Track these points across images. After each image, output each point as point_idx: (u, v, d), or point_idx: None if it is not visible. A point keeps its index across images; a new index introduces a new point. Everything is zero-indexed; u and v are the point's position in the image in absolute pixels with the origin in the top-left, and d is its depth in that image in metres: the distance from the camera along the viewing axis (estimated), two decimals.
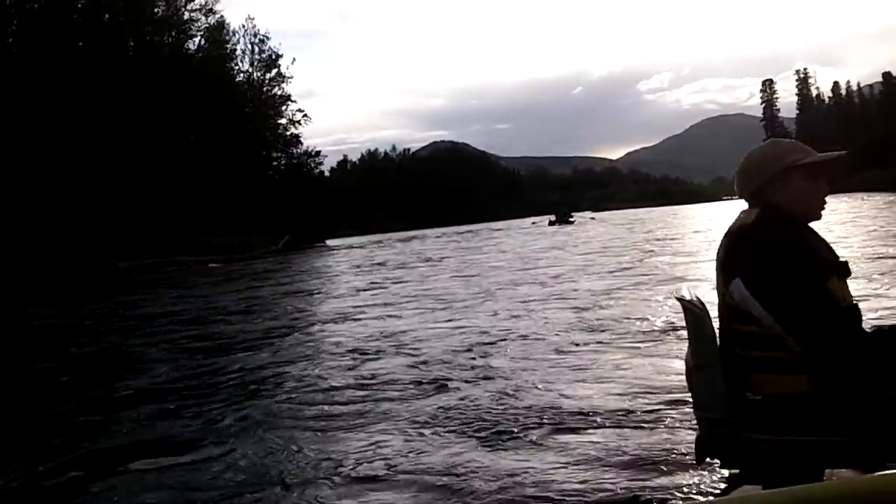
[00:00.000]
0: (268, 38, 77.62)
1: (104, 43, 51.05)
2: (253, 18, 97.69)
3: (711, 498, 2.79)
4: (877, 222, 25.77)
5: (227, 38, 73.23)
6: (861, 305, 2.43)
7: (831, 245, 2.53)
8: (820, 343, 2.24)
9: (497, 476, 4.30)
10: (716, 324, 2.52)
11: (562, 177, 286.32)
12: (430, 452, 4.84)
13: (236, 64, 74.99)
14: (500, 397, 6.06)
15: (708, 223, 38.86)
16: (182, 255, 46.41)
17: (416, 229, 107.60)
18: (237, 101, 68.05)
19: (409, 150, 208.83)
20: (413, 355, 8.43)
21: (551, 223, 65.04)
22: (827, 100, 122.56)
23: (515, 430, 5.16)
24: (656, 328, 8.58)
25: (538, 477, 4.25)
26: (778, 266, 2.30)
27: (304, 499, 4.29)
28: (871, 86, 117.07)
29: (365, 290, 18.48)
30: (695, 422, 2.63)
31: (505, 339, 8.91)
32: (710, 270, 2.77)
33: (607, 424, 5.10)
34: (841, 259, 2.48)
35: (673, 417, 5.04)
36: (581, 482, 4.13)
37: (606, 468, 4.30)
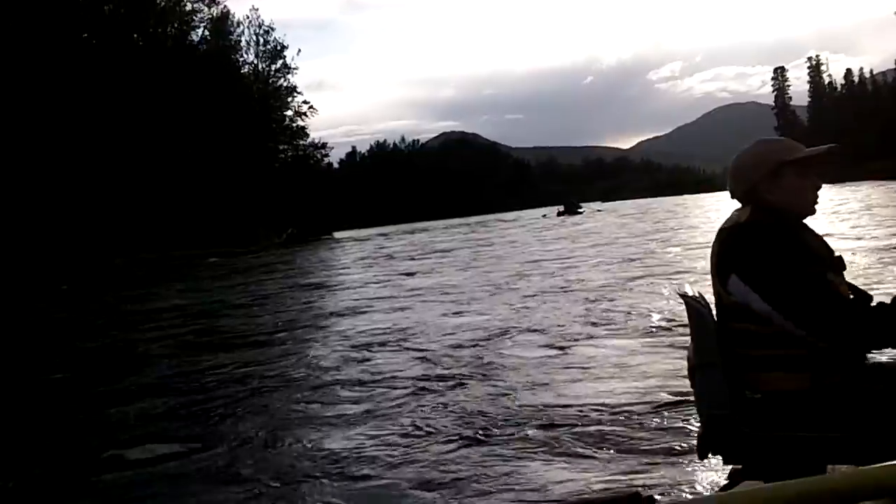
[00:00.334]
0: (273, 28, 77.32)
1: (107, 34, 50.76)
2: (257, 9, 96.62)
3: (713, 493, 2.74)
4: (888, 211, 25.47)
5: (232, 29, 73.20)
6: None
7: (826, 240, 2.53)
8: (822, 322, 2.25)
9: (496, 473, 4.32)
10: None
11: (572, 167, 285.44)
12: (429, 450, 4.83)
13: (241, 55, 74.83)
14: (502, 393, 6.06)
15: (718, 213, 38.35)
16: (182, 249, 45.96)
17: (425, 220, 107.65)
18: (242, 92, 67.67)
19: (418, 140, 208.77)
20: (415, 351, 8.41)
21: (559, 214, 64.99)
22: (839, 87, 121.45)
23: (516, 425, 5.18)
24: (660, 323, 8.53)
25: (538, 472, 4.29)
26: (774, 259, 2.32)
27: (296, 496, 4.32)
28: (884, 73, 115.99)
29: (369, 283, 18.34)
30: (697, 418, 2.62)
31: (509, 334, 8.88)
32: None
33: (609, 420, 5.12)
34: (836, 254, 2.48)
35: (675, 413, 5.06)
36: (582, 477, 4.18)
37: (608, 463, 4.35)
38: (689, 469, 4.06)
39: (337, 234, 75.36)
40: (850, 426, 2.24)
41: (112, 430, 6.13)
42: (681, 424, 4.81)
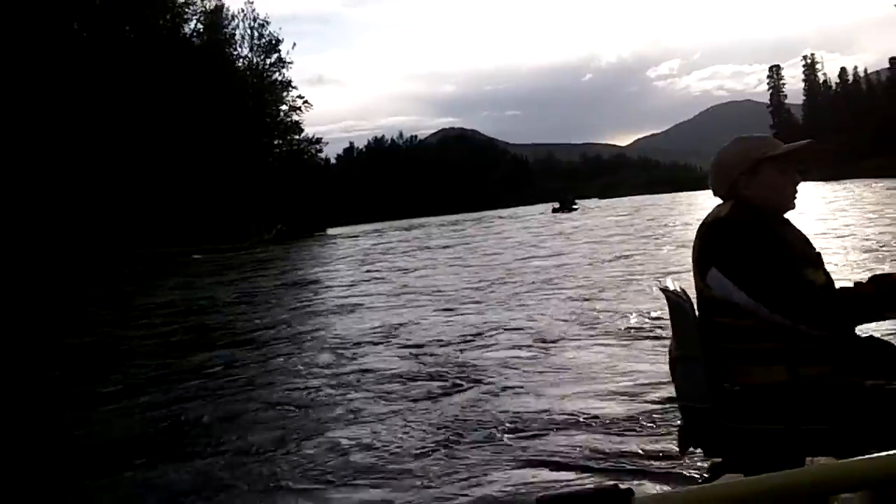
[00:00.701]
0: (267, 22, 76.91)
1: (98, 25, 50.22)
2: (252, 2, 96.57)
3: (694, 487, 2.69)
4: (879, 209, 25.50)
5: (226, 22, 72.77)
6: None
7: (806, 236, 2.57)
8: (801, 305, 2.30)
9: (474, 472, 4.34)
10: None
11: (570, 164, 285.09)
12: (408, 452, 4.81)
13: (235, 49, 74.39)
14: (484, 393, 6.07)
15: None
16: (167, 246, 45.10)
17: (423, 217, 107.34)
18: (235, 86, 67.24)
19: (416, 136, 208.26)
20: (400, 350, 8.39)
21: (554, 211, 64.83)
22: (834, 86, 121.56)
23: (494, 424, 5.19)
24: (645, 323, 8.54)
25: (516, 470, 4.31)
26: (754, 252, 2.36)
27: (273, 498, 4.32)
28: (878, 72, 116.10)
29: (355, 282, 18.20)
30: (678, 412, 2.68)
31: (496, 333, 8.86)
32: None
33: (592, 414, 5.15)
34: (815, 251, 2.53)
35: (656, 408, 5.09)
36: (564, 469, 4.24)
37: (589, 457, 4.38)
38: (670, 463, 4.09)
39: (331, 231, 74.92)
40: (829, 419, 2.26)
41: (96, 428, 6.12)
42: (662, 421, 4.83)
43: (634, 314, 9.12)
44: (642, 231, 28.08)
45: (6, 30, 43.84)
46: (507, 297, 12.25)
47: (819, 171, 68.15)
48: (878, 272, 2.38)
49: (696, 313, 2.53)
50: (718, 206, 2.60)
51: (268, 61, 76.29)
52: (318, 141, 79.80)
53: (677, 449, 2.69)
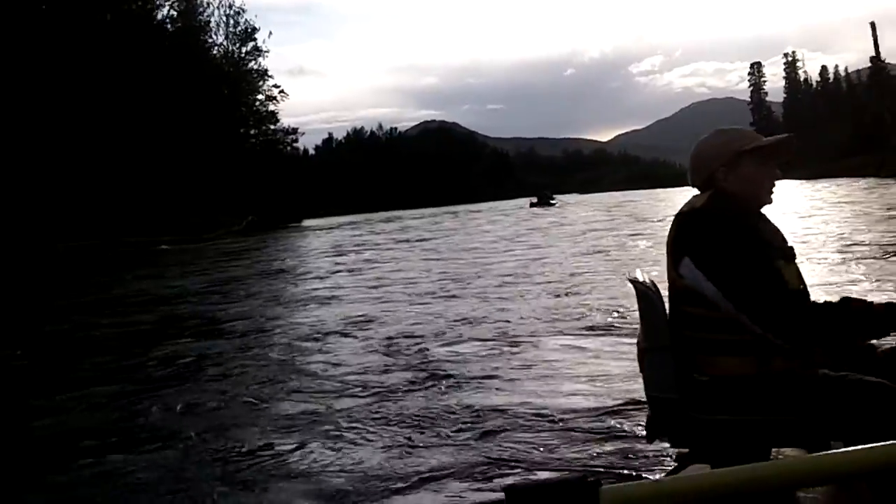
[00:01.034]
0: (244, 10, 75.97)
1: (64, 5, 48.66)
2: None
3: (660, 478, 2.51)
4: (857, 208, 25.50)
5: (201, 9, 71.38)
6: (821, 289, 2.58)
7: (781, 230, 2.58)
8: (770, 315, 2.29)
9: (437, 467, 4.31)
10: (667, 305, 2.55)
11: (551, 158, 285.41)
12: (366, 451, 4.72)
13: (210, 37, 73.05)
14: (449, 388, 6.04)
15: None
16: (130, 235, 43.46)
17: (401, 209, 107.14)
18: (210, 74, 65.84)
19: (395, 128, 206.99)
20: (369, 344, 8.31)
21: (532, 205, 64.58)
22: (815, 84, 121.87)
23: (460, 418, 5.19)
24: (616, 319, 8.50)
25: (482, 464, 4.30)
26: (727, 246, 2.36)
27: (230, 492, 4.27)
28: (858, 71, 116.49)
29: (328, 274, 17.91)
30: (646, 402, 2.65)
31: (467, 327, 8.84)
32: None
33: (558, 409, 5.18)
34: (788, 245, 2.54)
35: (624, 400, 5.15)
36: (530, 461, 4.27)
37: (556, 448, 4.42)
38: (637, 454, 4.14)
39: (307, 222, 73.83)
40: (796, 411, 2.27)
41: (55, 422, 6.03)
42: (630, 414, 4.85)
43: (605, 310, 9.09)
44: (621, 226, 28.07)
45: None
46: (479, 290, 12.23)
47: (798, 169, 68.12)
48: (848, 293, 2.46)
49: (665, 304, 2.54)
50: (696, 196, 2.60)
51: (244, 50, 75.14)
52: (294, 131, 78.77)
53: (644, 440, 2.77)
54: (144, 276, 21.16)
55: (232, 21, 74.57)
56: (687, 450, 2.59)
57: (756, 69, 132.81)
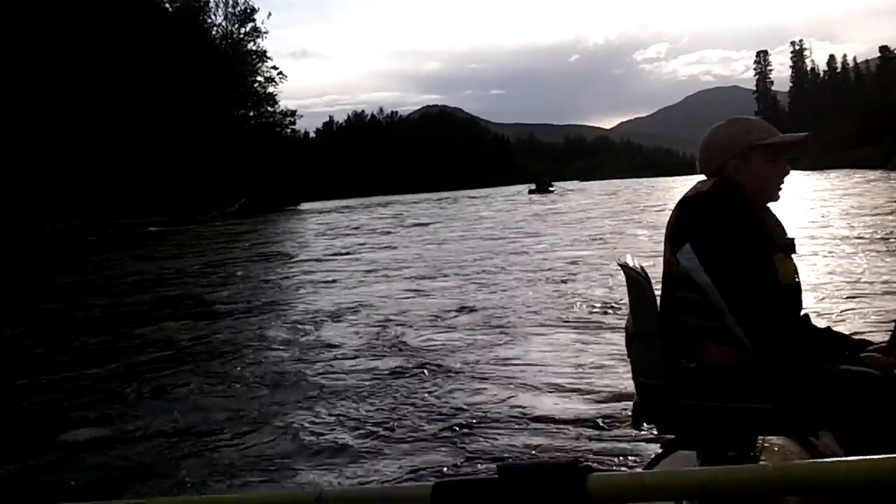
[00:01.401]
0: None
1: None
2: None
3: (651, 471, 2.32)
4: (862, 200, 25.38)
5: None
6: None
7: (783, 223, 2.56)
8: (754, 326, 2.31)
9: (421, 454, 4.34)
10: (658, 290, 2.53)
11: (552, 145, 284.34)
12: (350, 436, 4.76)
13: (209, 17, 72.06)
14: (437, 378, 5.98)
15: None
16: (121, 217, 42.48)
17: (400, 194, 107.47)
18: (206, 54, 64.80)
19: (396, 112, 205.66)
20: (359, 331, 8.25)
21: (531, 192, 63.95)
22: (822, 74, 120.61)
23: (444, 408, 5.16)
24: (609, 306, 8.47)
25: (477, 441, 4.44)
26: (727, 238, 2.36)
27: (208, 476, 4.29)
28: (867, 61, 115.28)
29: (322, 259, 17.80)
30: (633, 388, 2.62)
31: (459, 315, 8.79)
32: None
33: (548, 390, 5.34)
34: (789, 237, 2.52)
35: (612, 385, 5.24)
36: (519, 445, 4.33)
37: (546, 432, 4.49)
38: (625, 438, 4.22)
39: (305, 205, 73.12)
40: (783, 399, 2.26)
41: (38, 402, 6.07)
42: (617, 394, 4.95)
43: (598, 300, 8.97)
44: (619, 214, 28.06)
45: None
46: (473, 277, 12.25)
47: (804, 160, 67.21)
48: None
49: (654, 290, 2.50)
50: (701, 181, 2.57)
51: (242, 31, 73.99)
52: (293, 114, 77.49)
53: (631, 426, 2.71)
54: (133, 259, 20.86)
55: (231, 1, 73.65)
56: (673, 436, 2.51)
57: (762, 58, 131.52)
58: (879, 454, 1.92)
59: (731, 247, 2.34)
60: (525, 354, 6.59)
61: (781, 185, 2.55)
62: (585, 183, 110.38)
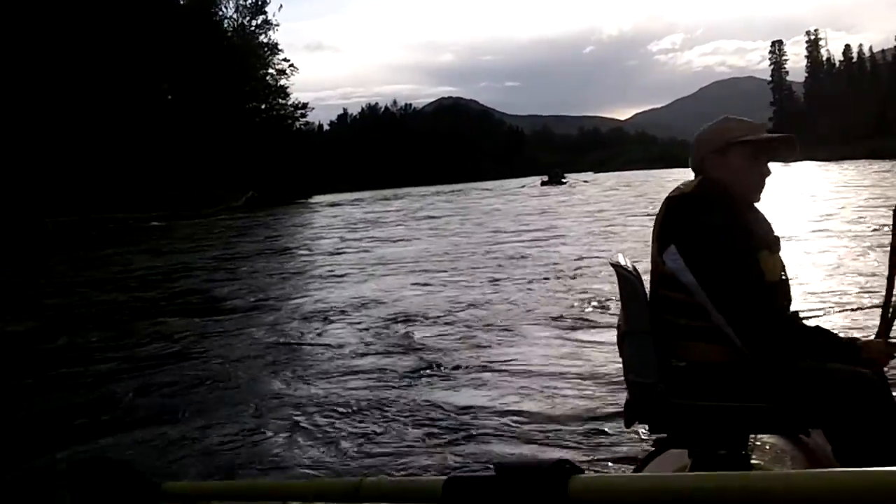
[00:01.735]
0: None
1: None
2: None
3: (623, 472, 2.69)
4: (877, 191, 24.88)
5: None
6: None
7: (768, 220, 2.57)
8: (742, 324, 2.32)
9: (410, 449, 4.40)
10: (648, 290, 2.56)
11: (566, 137, 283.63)
12: (346, 435, 4.74)
13: (220, 9, 71.81)
14: (438, 379, 5.94)
15: None
16: (123, 211, 42.01)
17: (412, 186, 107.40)
18: (217, 46, 64.55)
19: (410, 105, 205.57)
20: (362, 327, 8.23)
21: (543, 184, 63.97)
22: (838, 64, 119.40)
23: (442, 409, 5.13)
24: (608, 300, 8.45)
25: (465, 438, 4.52)
26: (711, 238, 2.36)
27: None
28: (883, 51, 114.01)
29: (327, 254, 17.70)
30: (625, 387, 2.62)
31: (463, 311, 8.75)
32: None
33: (541, 388, 5.36)
34: (774, 235, 2.53)
35: (603, 384, 5.28)
36: (510, 443, 4.39)
37: (537, 431, 4.52)
38: (616, 437, 4.24)
39: (317, 198, 72.89)
40: (774, 397, 2.25)
41: (41, 399, 6.09)
42: (609, 394, 5.00)
43: (603, 297, 8.84)
44: (632, 207, 27.68)
45: None
46: (481, 272, 12.14)
47: (820, 151, 66.61)
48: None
49: (646, 289, 2.53)
50: (685, 182, 2.60)
51: (254, 23, 73.75)
52: (304, 106, 77.00)
53: (623, 423, 2.69)
54: (133, 254, 20.59)
55: None
56: (665, 435, 2.48)
57: (777, 48, 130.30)
58: (868, 452, 2.01)
59: (715, 247, 2.35)
60: (526, 352, 6.55)
61: (762, 185, 2.54)
62: (599, 175, 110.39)
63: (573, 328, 7.44)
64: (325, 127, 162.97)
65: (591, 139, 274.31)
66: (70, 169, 43.38)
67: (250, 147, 63.50)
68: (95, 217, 39.37)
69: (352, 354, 6.97)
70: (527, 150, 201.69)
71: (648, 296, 2.53)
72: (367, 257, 15.77)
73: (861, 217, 16.17)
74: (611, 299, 8.64)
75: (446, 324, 8.10)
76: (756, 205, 2.57)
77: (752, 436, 2.47)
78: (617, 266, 2.58)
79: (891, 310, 2.58)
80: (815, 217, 16.22)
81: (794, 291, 2.58)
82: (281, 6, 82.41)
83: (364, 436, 4.71)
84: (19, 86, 42.90)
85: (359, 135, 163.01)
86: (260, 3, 73.82)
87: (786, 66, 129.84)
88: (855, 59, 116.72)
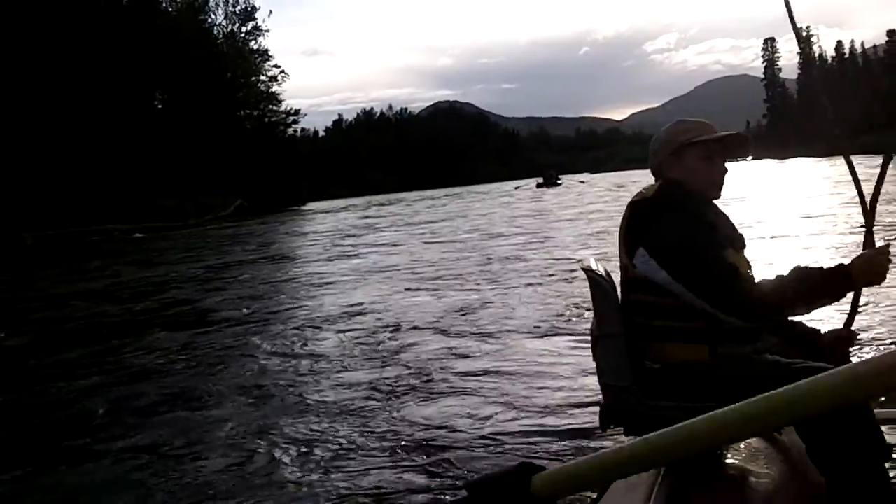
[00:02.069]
0: None
1: None
2: None
3: (584, 457, 1.98)
4: (867, 188, 23.95)
5: None
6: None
7: (730, 219, 2.62)
8: (720, 290, 2.35)
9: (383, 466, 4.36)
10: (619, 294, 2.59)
11: (563, 137, 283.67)
12: (323, 454, 4.67)
13: (209, 15, 71.68)
14: (425, 393, 5.83)
15: None
16: (106, 223, 40.85)
17: (408, 191, 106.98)
18: (208, 54, 64.36)
19: (406, 109, 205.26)
20: (347, 337, 8.21)
21: (539, 186, 63.66)
22: (830, 60, 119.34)
23: (423, 425, 5.11)
24: (578, 309, 8.40)
25: (432, 444, 4.58)
26: (678, 233, 2.42)
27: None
28: (875, 46, 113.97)
29: (318, 263, 17.48)
30: (599, 391, 2.68)
31: (454, 320, 8.67)
32: None
33: (521, 397, 5.39)
34: (738, 233, 2.60)
35: (578, 389, 5.33)
36: (481, 448, 4.45)
37: (514, 441, 4.53)
38: (591, 441, 4.28)
39: (311, 205, 72.55)
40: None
41: (36, 417, 6.05)
42: (584, 397, 5.05)
43: (579, 303, 8.71)
44: (622, 208, 26.78)
45: None
46: (473, 278, 12.12)
47: (813, 147, 66.68)
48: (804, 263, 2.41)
49: (617, 292, 2.58)
50: (647, 185, 2.64)
51: (243, 29, 73.66)
52: (297, 113, 76.67)
53: (598, 427, 2.71)
54: (118, 267, 20.28)
55: (231, 0, 73.22)
56: (640, 437, 2.28)
57: (769, 45, 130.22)
58: (837, 448, 2.11)
59: (683, 244, 2.40)
60: (510, 360, 6.55)
61: (720, 182, 2.59)
62: (595, 175, 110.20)
63: (557, 334, 7.41)
64: (321, 133, 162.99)
65: (588, 140, 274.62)
66: (50, 181, 42.35)
67: (241, 155, 62.99)
68: (80, 230, 38.47)
69: (336, 367, 6.91)
70: (524, 152, 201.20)
71: (620, 299, 2.58)
72: (359, 265, 15.65)
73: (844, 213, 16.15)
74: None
75: (434, 332, 8.06)
76: (721, 205, 2.64)
77: None
78: (588, 270, 2.66)
79: (860, 298, 2.64)
80: (813, 214, 16.04)
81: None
82: (271, 12, 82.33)
83: (341, 453, 4.66)
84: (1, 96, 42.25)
85: (354, 140, 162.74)
86: (249, 9, 73.78)
87: (779, 63, 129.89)
88: (847, 56, 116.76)
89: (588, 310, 8.14)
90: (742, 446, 2.55)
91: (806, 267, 2.36)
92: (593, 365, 5.20)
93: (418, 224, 28.93)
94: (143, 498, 4.28)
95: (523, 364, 6.34)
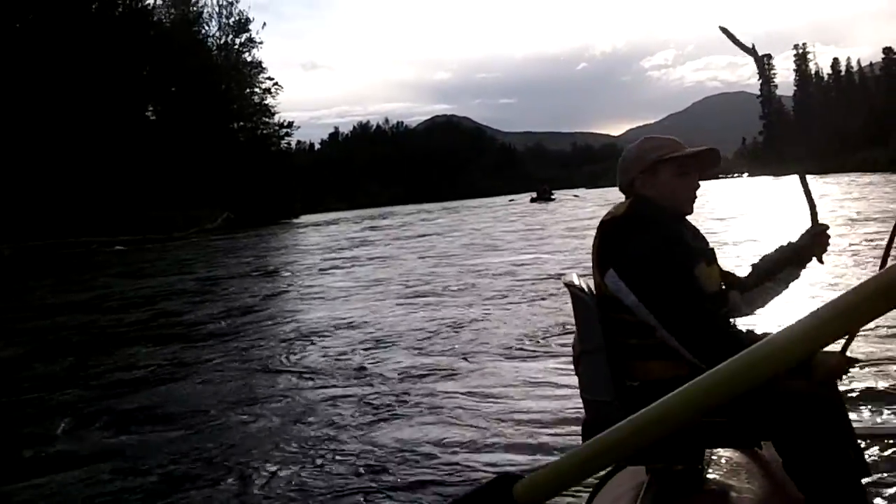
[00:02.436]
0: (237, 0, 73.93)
1: None
2: None
3: (559, 456, 2.21)
4: (861, 205, 24.81)
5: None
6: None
7: (702, 233, 2.65)
8: (687, 335, 2.34)
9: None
10: None
11: (560, 153, 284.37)
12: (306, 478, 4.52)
13: (202, 27, 71.56)
14: (407, 417, 5.63)
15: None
16: (86, 235, 40.07)
17: (405, 204, 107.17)
18: (202, 65, 64.00)
19: (402, 123, 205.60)
20: (330, 354, 8.07)
21: (532, 200, 64.14)
22: (826, 77, 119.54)
23: (397, 407, 5.53)
24: (563, 326, 8.24)
25: (409, 455, 4.60)
26: (648, 256, 2.41)
27: None
28: (871, 64, 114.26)
29: (310, 275, 17.54)
30: (582, 406, 2.69)
31: (443, 336, 8.57)
32: None
33: (497, 407, 5.45)
34: (709, 247, 2.62)
35: (560, 405, 5.27)
36: (464, 465, 4.39)
37: (490, 452, 4.58)
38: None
39: (303, 218, 72.12)
40: (727, 412, 2.26)
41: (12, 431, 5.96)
42: (566, 413, 5.04)
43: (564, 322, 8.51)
44: None
45: None
46: (459, 294, 11.99)
47: (808, 163, 66.56)
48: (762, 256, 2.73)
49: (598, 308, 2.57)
50: (617, 204, 2.64)
51: (237, 41, 73.49)
52: (290, 125, 76.20)
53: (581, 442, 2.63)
54: (99, 279, 20.04)
55: (225, 11, 73.32)
56: None
57: (765, 62, 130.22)
58: (813, 464, 2.13)
59: (652, 265, 2.39)
60: (493, 379, 6.46)
61: (693, 198, 2.61)
62: (592, 190, 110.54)
63: (539, 352, 7.32)
64: (316, 146, 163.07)
65: (585, 155, 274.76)
66: (34, 192, 41.68)
67: (232, 167, 62.57)
68: (59, 241, 37.81)
69: (318, 384, 6.80)
70: (521, 167, 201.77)
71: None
72: (347, 280, 15.45)
73: (855, 232, 15.92)
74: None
75: (419, 350, 7.94)
76: (692, 220, 2.65)
77: (708, 450, 2.54)
78: (570, 286, 2.65)
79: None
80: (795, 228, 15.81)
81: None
82: (265, 24, 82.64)
83: (315, 473, 4.56)
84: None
85: (350, 153, 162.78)
86: (243, 21, 73.72)
87: (776, 80, 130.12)
88: (843, 73, 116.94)
89: (572, 326, 7.94)
90: (723, 461, 2.57)
91: (763, 257, 2.76)
92: (576, 381, 5.05)
93: (411, 238, 28.86)
94: None
95: (507, 382, 6.26)
